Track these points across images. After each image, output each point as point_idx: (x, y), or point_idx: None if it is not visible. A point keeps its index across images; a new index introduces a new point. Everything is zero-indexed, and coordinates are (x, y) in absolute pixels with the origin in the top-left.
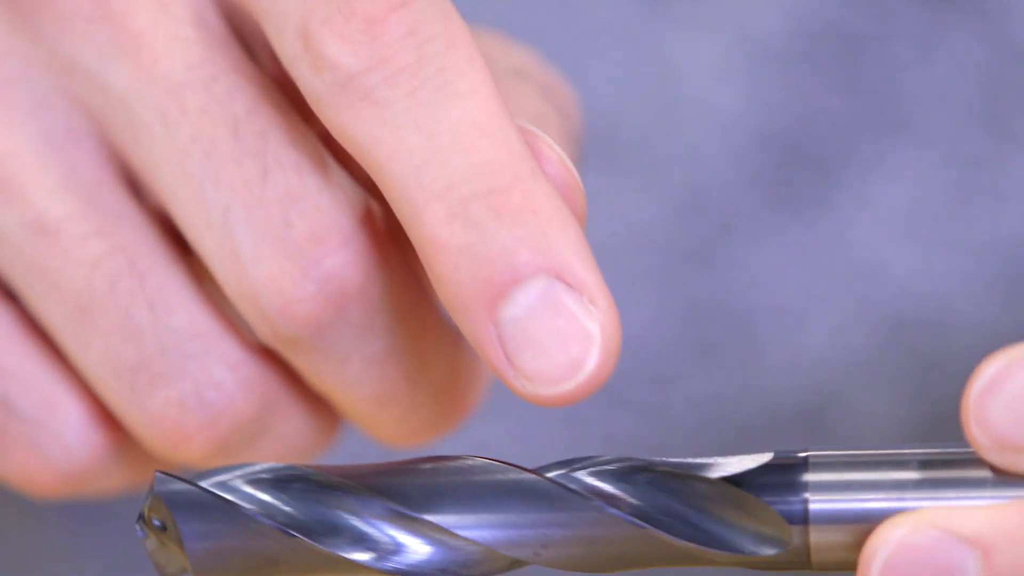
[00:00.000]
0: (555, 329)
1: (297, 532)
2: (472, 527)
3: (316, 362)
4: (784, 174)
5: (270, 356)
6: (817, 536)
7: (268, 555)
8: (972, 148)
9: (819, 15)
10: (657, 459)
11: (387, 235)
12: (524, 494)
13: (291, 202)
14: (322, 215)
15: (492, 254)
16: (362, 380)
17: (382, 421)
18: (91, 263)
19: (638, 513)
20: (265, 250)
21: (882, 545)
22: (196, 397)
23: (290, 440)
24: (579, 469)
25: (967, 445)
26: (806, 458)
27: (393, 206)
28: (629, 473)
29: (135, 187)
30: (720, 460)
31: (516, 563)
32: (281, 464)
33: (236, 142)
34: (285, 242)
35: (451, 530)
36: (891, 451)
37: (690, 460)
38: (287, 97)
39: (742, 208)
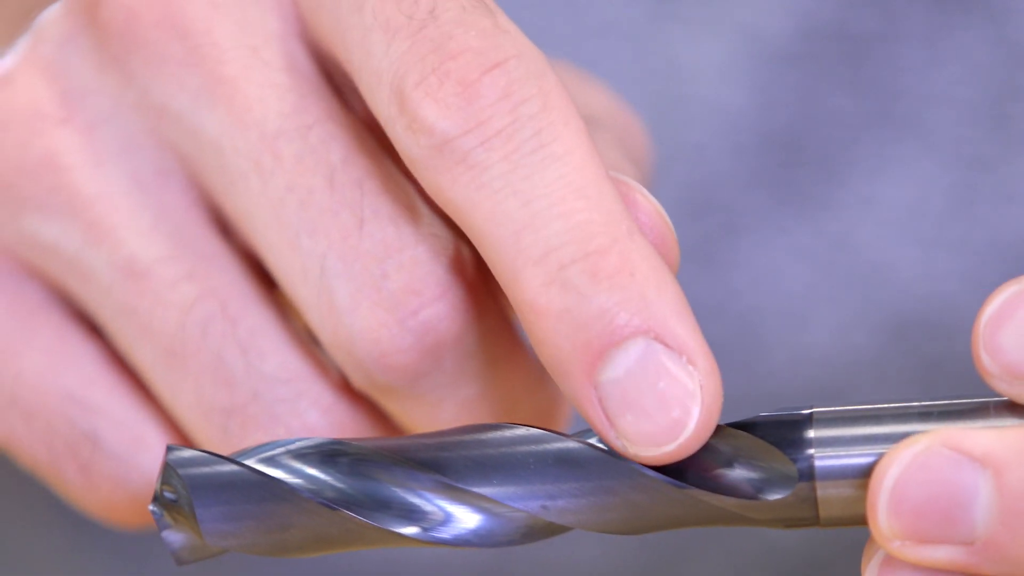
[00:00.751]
0: (655, 391)
1: (340, 505)
2: (517, 497)
3: (409, 408)
4: (789, 174)
5: (360, 399)
6: (824, 492)
7: (286, 523)
8: (977, 149)
9: (824, 15)
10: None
11: (478, 279)
12: (568, 462)
13: (387, 253)
14: (418, 266)
15: (590, 318)
16: (454, 423)
17: None
18: (183, 307)
19: (679, 477)
20: (362, 301)
21: (892, 464)
22: None
23: None
24: None
25: (970, 397)
26: (810, 414)
27: (491, 268)
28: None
29: (225, 229)
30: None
31: (561, 529)
32: (319, 439)
33: (332, 192)
34: (382, 293)
35: (497, 500)
36: (895, 405)
37: None
38: (381, 145)
39: (746, 207)
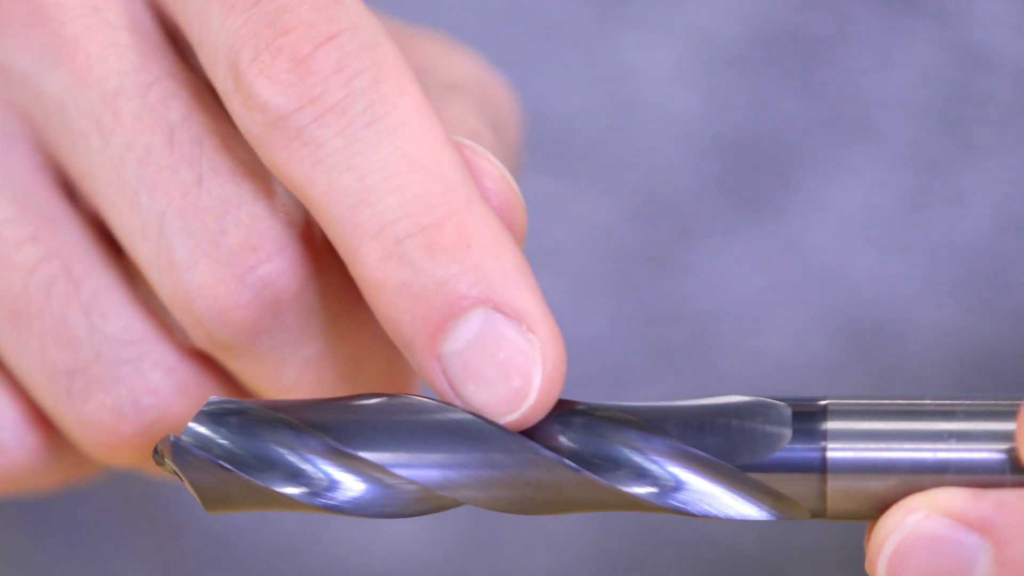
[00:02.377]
0: (496, 361)
1: (231, 465)
2: (407, 466)
3: (252, 366)
4: (741, 178)
5: (205, 360)
6: (834, 485)
7: (200, 485)
8: (930, 153)
9: (777, 19)
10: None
11: (322, 239)
12: (460, 434)
13: (226, 209)
14: (257, 222)
15: (428, 291)
16: (298, 383)
17: None
18: (26, 268)
19: (574, 456)
20: (200, 257)
21: (893, 532)
22: (131, 402)
23: None
24: None
25: (988, 398)
26: (825, 406)
27: (332, 242)
28: (568, 416)
29: (70, 192)
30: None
31: (451, 503)
32: (218, 398)
33: (171, 149)
34: (220, 249)
35: (386, 467)
36: (911, 402)
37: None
38: (222, 104)
39: (699, 212)
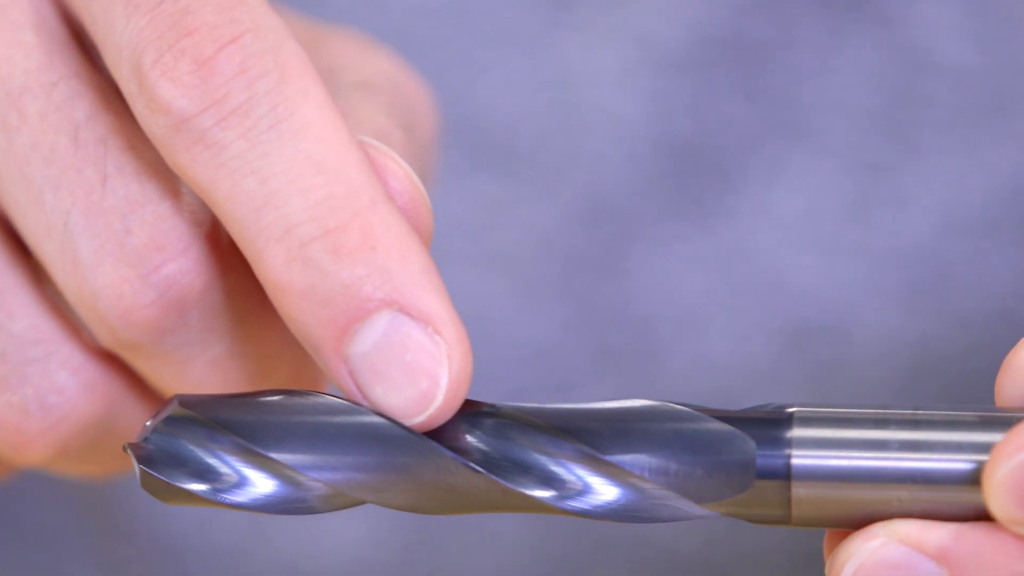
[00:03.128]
0: (402, 363)
1: (145, 465)
2: (315, 467)
3: (158, 366)
4: (685, 182)
5: (112, 359)
6: (799, 492)
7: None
8: (872, 155)
9: (720, 23)
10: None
11: (228, 239)
12: (368, 436)
13: (131, 209)
14: (162, 222)
15: (334, 294)
16: (205, 383)
17: None
18: None
19: (483, 457)
20: (105, 257)
21: (851, 558)
22: (38, 402)
23: None
24: None
25: (955, 408)
26: (791, 414)
27: (237, 244)
28: (476, 418)
29: None
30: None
31: (357, 502)
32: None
33: (76, 148)
34: (125, 248)
35: (294, 468)
36: (877, 410)
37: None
38: (128, 103)
39: (643, 216)
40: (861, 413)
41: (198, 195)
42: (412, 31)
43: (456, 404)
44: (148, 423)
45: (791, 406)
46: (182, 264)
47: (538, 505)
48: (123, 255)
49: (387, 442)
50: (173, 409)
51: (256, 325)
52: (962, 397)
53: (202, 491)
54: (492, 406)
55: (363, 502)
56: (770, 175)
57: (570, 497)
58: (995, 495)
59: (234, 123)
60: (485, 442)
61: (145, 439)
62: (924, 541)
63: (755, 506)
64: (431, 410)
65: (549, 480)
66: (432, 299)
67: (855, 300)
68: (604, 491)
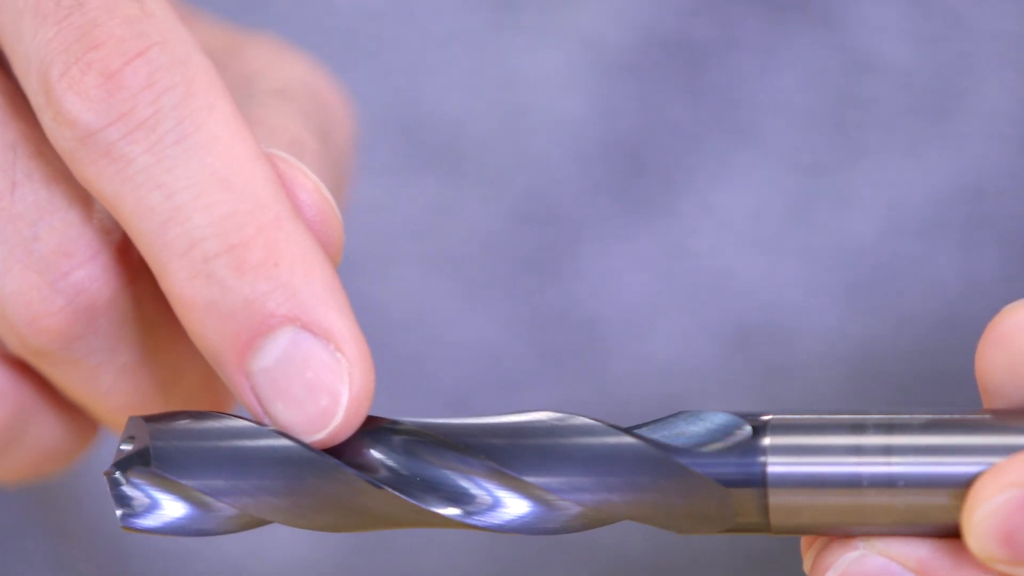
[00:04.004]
0: (304, 380)
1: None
2: (223, 492)
3: (67, 373)
4: (629, 182)
5: (22, 366)
6: (776, 500)
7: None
8: (815, 156)
9: (664, 24)
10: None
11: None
12: (273, 458)
13: (39, 215)
14: (70, 228)
15: (236, 309)
16: (114, 390)
17: None
18: None
19: (390, 474)
20: (13, 263)
21: (829, 569)
22: None
23: (45, 447)
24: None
25: (930, 412)
26: (767, 421)
27: (144, 257)
28: (381, 434)
29: None
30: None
31: (266, 522)
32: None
33: None
34: (33, 256)
35: (203, 492)
36: (852, 416)
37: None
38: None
39: (588, 216)
40: (837, 419)
41: (108, 210)
42: (358, 32)
43: (357, 421)
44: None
45: (767, 413)
46: (90, 271)
47: (447, 521)
48: (31, 261)
49: (294, 464)
50: (126, 434)
51: (166, 334)
52: (906, 397)
53: (119, 514)
54: (396, 422)
55: (270, 522)
56: (714, 176)
57: (479, 512)
58: (974, 535)
59: (140, 137)
60: (392, 459)
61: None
62: (904, 553)
63: (734, 515)
64: (332, 427)
65: (457, 496)
66: (335, 316)
67: (799, 300)
68: (513, 505)
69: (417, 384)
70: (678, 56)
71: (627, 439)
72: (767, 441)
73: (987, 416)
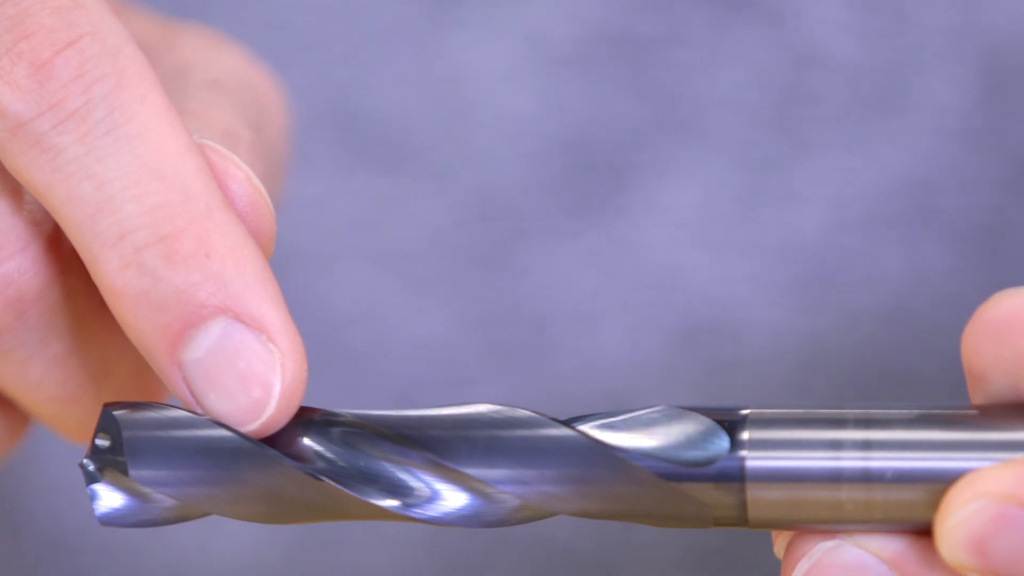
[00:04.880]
0: (236, 371)
1: None
2: (160, 482)
3: None
4: (576, 179)
5: None
6: (754, 494)
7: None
8: (762, 152)
9: (609, 20)
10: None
11: (67, 238)
12: (211, 449)
13: None
14: (0, 220)
15: (168, 300)
16: (44, 382)
17: (68, 420)
18: None
19: (327, 465)
20: None
21: (804, 558)
22: None
23: None
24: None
25: (909, 407)
26: (745, 415)
27: (75, 248)
28: (315, 425)
29: None
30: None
31: (203, 513)
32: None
33: None
34: None
35: (140, 483)
36: (831, 410)
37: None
38: None
39: (535, 213)
40: (816, 413)
41: (40, 201)
42: (299, 27)
43: (290, 412)
44: None
45: (747, 407)
46: (20, 263)
47: (385, 513)
48: None
49: (231, 454)
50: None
51: (97, 325)
52: (853, 392)
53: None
54: (335, 414)
55: (208, 514)
56: (661, 172)
57: (418, 505)
58: (946, 543)
59: (71, 127)
60: (331, 450)
61: None
62: (879, 546)
63: (713, 509)
64: (264, 417)
65: (396, 488)
66: (266, 307)
67: (746, 296)
68: (452, 498)
69: (364, 380)
70: (625, 52)
71: (566, 432)
72: (746, 435)
73: (969, 412)
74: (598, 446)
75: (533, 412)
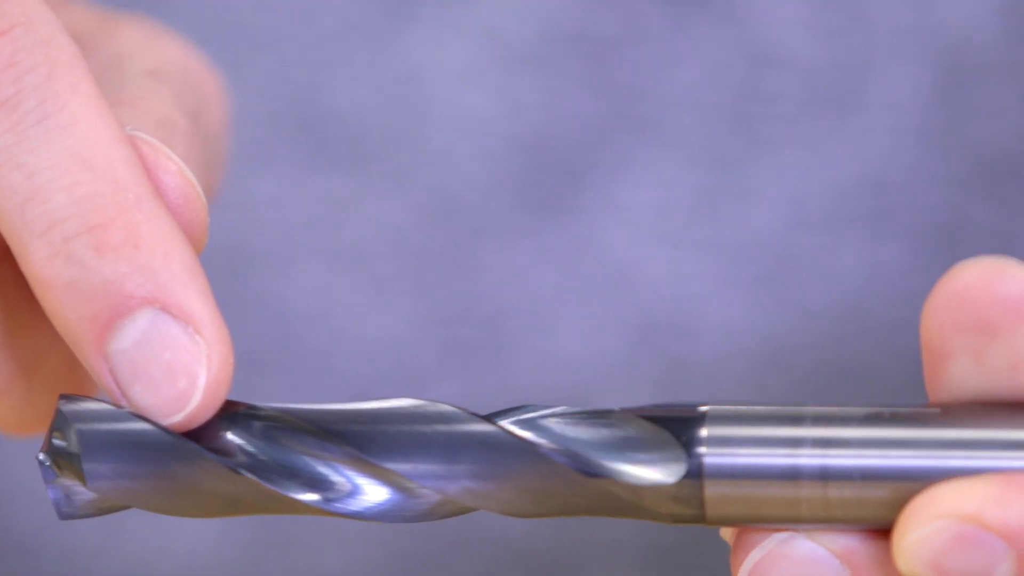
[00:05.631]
0: (162, 362)
1: None
2: (90, 477)
3: None
4: (534, 177)
5: None
6: (712, 491)
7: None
8: (719, 150)
9: (567, 18)
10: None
11: None
12: (131, 442)
13: None
14: None
15: (95, 290)
16: None
17: (0, 412)
18: None
19: (250, 459)
20: None
21: (755, 548)
22: None
23: None
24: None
25: (868, 405)
26: (704, 412)
27: (4, 237)
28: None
29: None
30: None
31: (125, 506)
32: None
33: None
34: None
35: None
36: (789, 408)
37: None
38: None
39: (492, 211)
40: (775, 410)
41: None
42: (256, 26)
43: (215, 405)
44: None
45: (705, 404)
46: None
47: (306, 508)
48: None
49: (152, 447)
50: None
51: (27, 317)
52: (811, 389)
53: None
54: (256, 407)
55: (130, 507)
56: (618, 170)
57: (339, 499)
58: (904, 558)
59: (2, 117)
60: (252, 444)
61: None
62: (832, 540)
63: (670, 505)
64: (188, 409)
65: (317, 482)
66: (194, 299)
67: (704, 294)
68: (373, 492)
69: (321, 379)
70: (582, 50)
71: (487, 427)
72: (704, 432)
73: (930, 411)
74: (519, 442)
75: (455, 407)
